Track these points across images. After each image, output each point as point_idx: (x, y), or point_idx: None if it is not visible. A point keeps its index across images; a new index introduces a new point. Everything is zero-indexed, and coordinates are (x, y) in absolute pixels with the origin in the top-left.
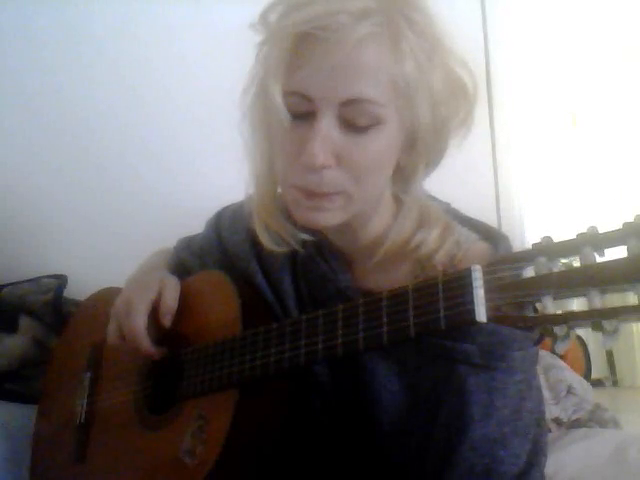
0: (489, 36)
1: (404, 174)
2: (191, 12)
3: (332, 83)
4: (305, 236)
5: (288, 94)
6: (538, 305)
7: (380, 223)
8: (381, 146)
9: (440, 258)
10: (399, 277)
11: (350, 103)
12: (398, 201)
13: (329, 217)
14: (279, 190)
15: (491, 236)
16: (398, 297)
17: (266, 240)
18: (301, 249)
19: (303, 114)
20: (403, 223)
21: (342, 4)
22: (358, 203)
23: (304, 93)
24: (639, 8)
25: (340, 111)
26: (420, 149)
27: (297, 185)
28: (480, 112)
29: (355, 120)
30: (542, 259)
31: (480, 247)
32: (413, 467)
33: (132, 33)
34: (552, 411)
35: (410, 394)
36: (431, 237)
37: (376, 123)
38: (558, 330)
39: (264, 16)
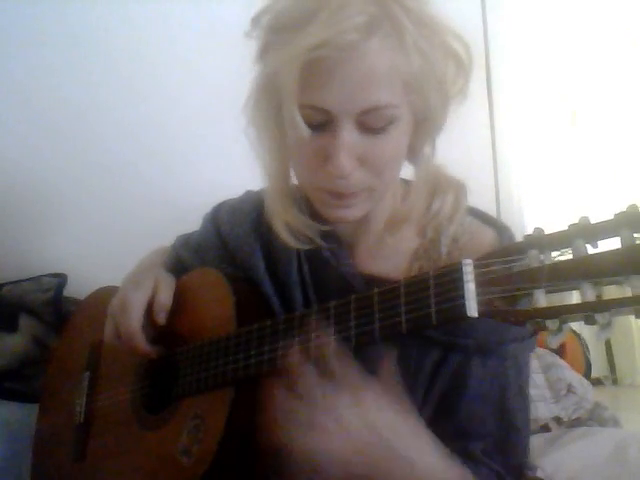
0: (488, 27)
1: (413, 152)
2: (191, 10)
3: (350, 96)
4: (324, 227)
5: (303, 107)
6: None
7: (388, 203)
8: (397, 140)
9: (453, 228)
10: (401, 262)
11: (368, 111)
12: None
13: (356, 211)
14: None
15: (494, 225)
16: (390, 293)
17: (286, 237)
18: (320, 241)
19: (320, 124)
20: (415, 203)
21: (344, 21)
22: (380, 193)
23: (322, 107)
24: None
25: (357, 118)
26: (429, 126)
27: (324, 188)
28: (480, 107)
29: (372, 124)
30: (534, 252)
31: (487, 233)
32: None
33: (132, 32)
34: (552, 410)
35: (407, 377)
36: (448, 202)
37: (391, 122)
38: (550, 324)
39: (256, 21)
